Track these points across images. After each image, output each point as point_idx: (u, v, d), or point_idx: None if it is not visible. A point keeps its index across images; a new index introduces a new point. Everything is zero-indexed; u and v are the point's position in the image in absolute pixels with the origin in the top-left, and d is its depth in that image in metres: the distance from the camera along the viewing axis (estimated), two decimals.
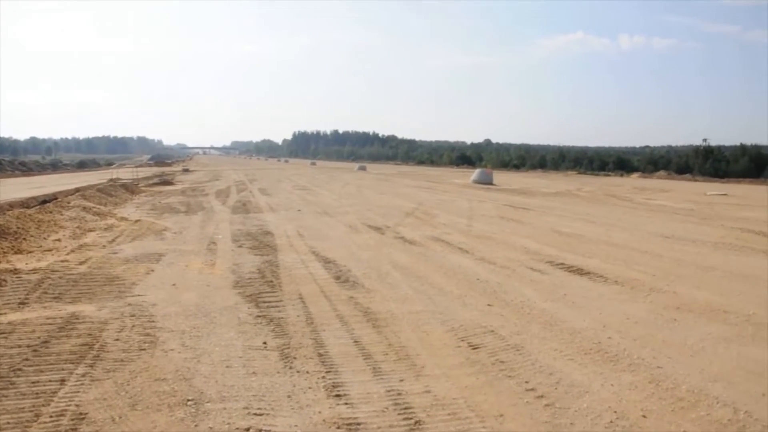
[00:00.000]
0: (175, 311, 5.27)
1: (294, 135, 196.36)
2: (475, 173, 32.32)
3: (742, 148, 47.18)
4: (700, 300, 5.88)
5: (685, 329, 4.93)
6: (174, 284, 6.28)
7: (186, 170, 43.65)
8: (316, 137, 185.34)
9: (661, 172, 49.94)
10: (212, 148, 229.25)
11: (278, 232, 10.33)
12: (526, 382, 3.78)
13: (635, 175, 49.93)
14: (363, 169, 54.40)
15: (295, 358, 4.16)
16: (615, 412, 3.39)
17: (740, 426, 3.25)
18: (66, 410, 3.34)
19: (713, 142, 52.84)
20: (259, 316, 5.13)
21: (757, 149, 46.72)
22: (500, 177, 36.55)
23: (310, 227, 11.06)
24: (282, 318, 5.09)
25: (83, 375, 3.82)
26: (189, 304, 5.51)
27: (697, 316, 5.32)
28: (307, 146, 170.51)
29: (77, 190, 17.24)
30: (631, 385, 3.74)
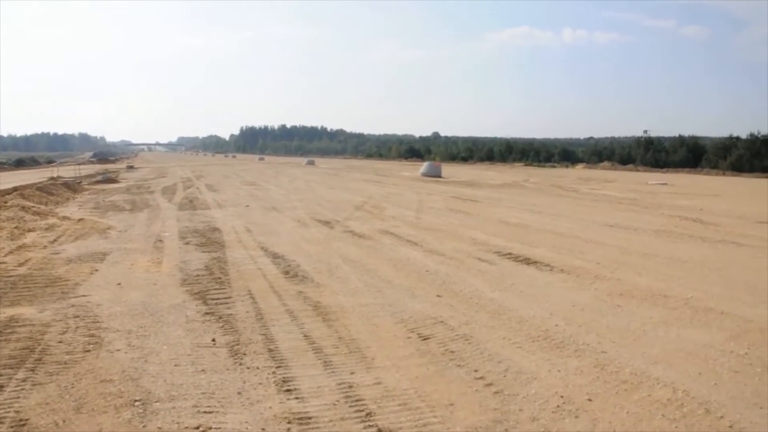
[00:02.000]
0: (121, 311, 5.14)
1: (241, 130, 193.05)
2: (424, 166, 32.58)
3: (681, 139, 48.93)
4: (642, 286, 6.09)
5: (628, 314, 5.11)
6: (119, 284, 6.12)
7: (131, 167, 42.40)
8: (264, 132, 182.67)
9: (605, 163, 51.39)
10: (158, 144, 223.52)
11: (226, 228, 10.19)
12: (476, 370, 3.85)
13: (580, 166, 51.25)
14: (312, 163, 54.10)
15: (244, 354, 4.12)
16: (562, 396, 3.48)
17: (679, 404, 3.39)
18: (5, 417, 3.21)
19: (654, 134, 54.82)
20: (207, 314, 5.06)
21: (694, 140, 48.54)
22: (448, 170, 36.93)
23: (259, 223, 10.96)
24: (231, 315, 5.03)
25: (24, 380, 3.68)
26: (135, 303, 5.38)
27: (639, 302, 5.51)
28: (255, 141, 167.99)
29: (15, 189, 16.54)
30: (577, 370, 3.85)
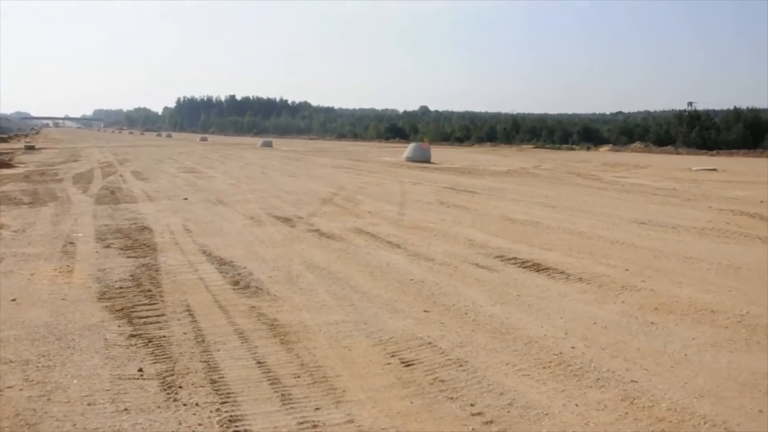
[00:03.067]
0: (16, 335, 5.09)
1: (178, 102, 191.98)
2: (409, 149, 32.66)
3: (736, 113, 49.16)
4: (682, 298, 6.19)
5: (665, 334, 5.18)
6: (14, 299, 6.07)
7: (30, 147, 41.77)
8: (208, 105, 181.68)
9: (637, 144, 51.94)
10: (67, 118, 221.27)
11: (159, 227, 10.15)
12: (472, 405, 3.89)
13: (605, 148, 51.72)
14: (268, 145, 53.93)
15: (180, 387, 4.12)
16: None
17: None
18: None
19: (700, 106, 55.35)
20: (133, 336, 5.04)
21: (754, 113, 48.47)
22: (440, 153, 37.07)
23: (201, 220, 10.95)
24: (164, 337, 5.02)
25: None
26: (36, 324, 5.34)
27: (678, 318, 5.60)
28: (196, 117, 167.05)
29: None
30: (600, 405, 3.91)
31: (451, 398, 3.99)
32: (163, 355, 4.67)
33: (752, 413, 3.84)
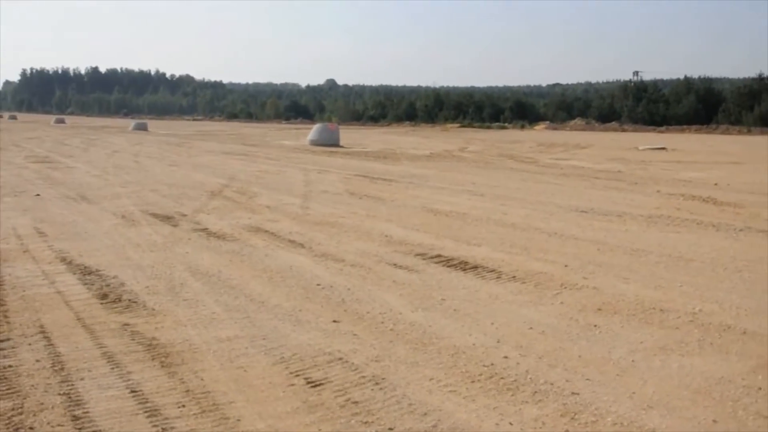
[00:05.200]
0: None
1: (24, 75, 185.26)
2: (314, 131, 32.77)
3: (687, 83, 50.81)
4: (628, 296, 6.42)
5: (609, 338, 5.35)
6: None
7: None
8: (64, 79, 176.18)
9: (577, 121, 53.43)
10: None
11: (1, 231, 9.84)
12: (390, 429, 3.93)
13: (541, 125, 52.95)
14: (142, 128, 53.14)
15: (31, 429, 4.02)
16: None
17: None
18: None
19: (647, 76, 57.12)
20: None
21: (706, 84, 50.04)
22: (350, 135, 37.19)
23: (58, 221, 10.71)
24: (10, 367, 4.86)
25: None
26: None
27: (624, 320, 5.80)
28: (49, 94, 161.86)
29: None
30: (537, 422, 4.00)
31: (366, 422, 4.00)
32: (8, 389, 4.51)
33: (706, 423, 3.99)
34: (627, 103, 52.41)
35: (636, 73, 58.62)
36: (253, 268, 7.62)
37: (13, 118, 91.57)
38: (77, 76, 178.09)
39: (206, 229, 9.97)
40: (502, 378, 4.61)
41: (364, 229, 9.87)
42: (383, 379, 4.61)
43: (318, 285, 6.90)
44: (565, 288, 6.72)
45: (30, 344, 5.32)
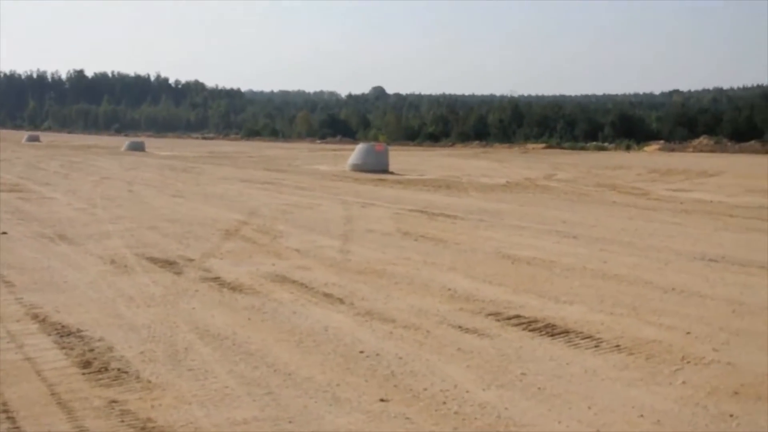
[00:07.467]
0: None
1: None
2: (356, 153, 32.90)
3: None
4: None
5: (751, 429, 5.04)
6: None
7: None
8: (40, 86, 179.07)
9: (702, 139, 52.63)
10: None
11: None
12: None
13: (653, 146, 52.45)
14: (139, 148, 54.53)
15: None
16: None
17: None
18: None
19: None
20: None
21: None
22: (403, 158, 37.43)
23: (29, 266, 10.61)
24: None
25: None
26: None
27: None
28: (20, 104, 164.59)
29: None
30: None
31: None
32: None
33: None
34: None
35: None
36: (277, 330, 7.45)
37: None
38: (56, 82, 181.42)
39: (218, 278, 9.84)
40: None
41: (420, 280, 9.64)
42: None
43: (361, 352, 6.69)
44: (688, 362, 6.38)
45: None
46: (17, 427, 5.09)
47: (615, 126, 60.01)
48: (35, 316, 7.88)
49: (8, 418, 5.24)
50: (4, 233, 13.64)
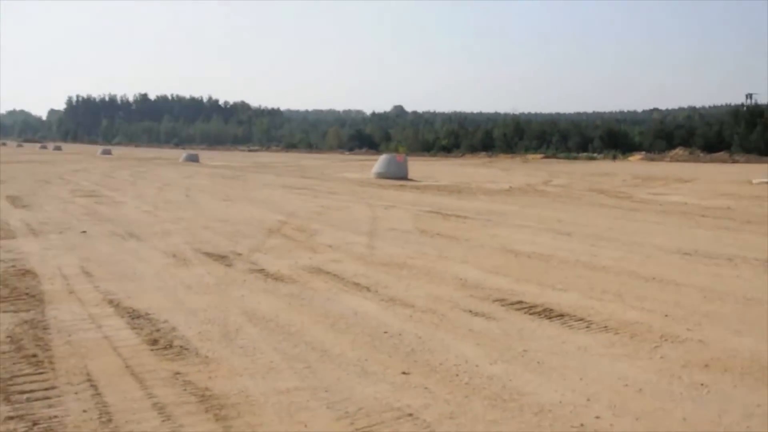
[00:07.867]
0: None
1: (70, 103, 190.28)
2: (380, 162, 32.90)
3: None
4: (742, 352, 6.30)
5: (720, 400, 5.24)
6: None
7: None
8: (111, 107, 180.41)
9: (679, 151, 52.43)
10: None
11: (47, 270, 10.05)
12: None
13: (637, 156, 52.20)
14: (194, 159, 53.97)
15: None
16: None
17: None
18: None
19: (762, 99, 55.71)
20: (11, 419, 4.96)
21: None
22: (420, 167, 37.19)
23: (105, 260, 10.89)
24: (55, 417, 4.96)
25: None
26: None
27: (738, 379, 5.67)
28: (95, 122, 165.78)
29: None
30: None
31: None
32: None
33: None
34: (738, 130, 51.39)
35: (749, 95, 57.20)
36: (314, 313, 7.67)
37: (58, 148, 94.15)
38: (125, 103, 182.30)
39: (263, 269, 10.05)
40: None
41: (436, 271, 9.87)
42: None
43: (385, 333, 6.92)
44: (666, 340, 6.62)
45: (76, 393, 5.41)
46: (99, 394, 5.35)
47: (603, 139, 60.05)
48: (111, 302, 8.16)
49: (92, 386, 5.52)
50: (84, 232, 14.03)
